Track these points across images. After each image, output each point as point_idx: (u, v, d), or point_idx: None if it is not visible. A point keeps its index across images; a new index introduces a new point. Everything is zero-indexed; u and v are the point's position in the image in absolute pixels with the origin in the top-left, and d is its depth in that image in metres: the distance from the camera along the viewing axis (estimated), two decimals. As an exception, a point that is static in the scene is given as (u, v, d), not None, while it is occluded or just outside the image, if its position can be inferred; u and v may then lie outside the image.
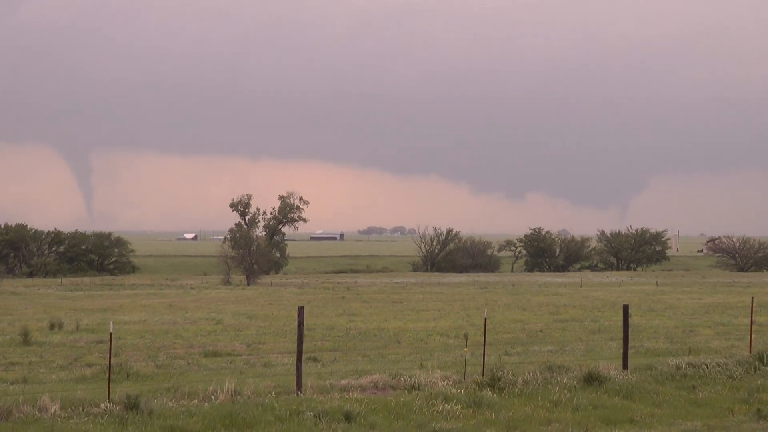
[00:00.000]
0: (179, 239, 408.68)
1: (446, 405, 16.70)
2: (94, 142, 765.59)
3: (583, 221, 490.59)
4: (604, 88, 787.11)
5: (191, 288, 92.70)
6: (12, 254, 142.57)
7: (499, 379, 18.72)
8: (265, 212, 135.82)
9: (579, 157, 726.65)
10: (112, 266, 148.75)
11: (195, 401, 17.06)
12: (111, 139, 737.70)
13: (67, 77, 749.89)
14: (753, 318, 28.03)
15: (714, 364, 21.62)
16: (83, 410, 15.91)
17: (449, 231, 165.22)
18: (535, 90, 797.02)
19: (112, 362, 19.73)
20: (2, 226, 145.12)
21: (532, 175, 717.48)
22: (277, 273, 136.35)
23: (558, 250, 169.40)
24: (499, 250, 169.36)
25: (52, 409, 15.83)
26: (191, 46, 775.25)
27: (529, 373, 19.94)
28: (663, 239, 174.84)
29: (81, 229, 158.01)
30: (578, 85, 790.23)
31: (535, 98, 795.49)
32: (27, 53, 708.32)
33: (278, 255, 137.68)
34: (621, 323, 22.43)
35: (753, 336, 27.20)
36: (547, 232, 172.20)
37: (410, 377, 19.73)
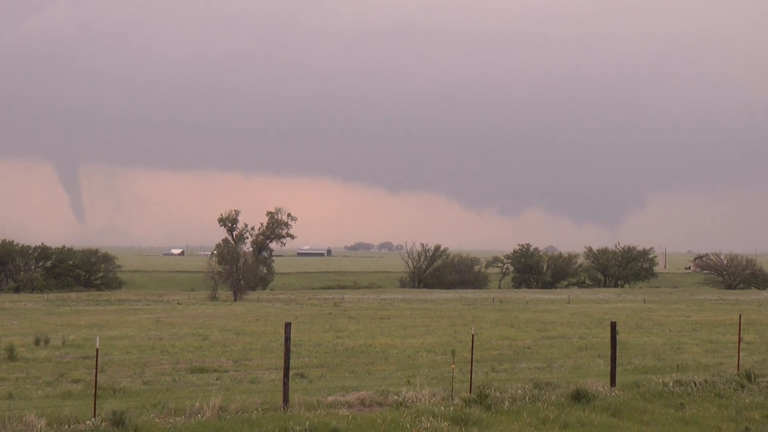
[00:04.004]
0: (166, 254, 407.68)
1: (433, 422, 16.64)
2: (86, 157, 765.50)
3: (575, 237, 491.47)
4: (596, 106, 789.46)
5: (178, 303, 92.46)
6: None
7: (487, 396, 18.68)
8: (252, 228, 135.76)
9: (572, 174, 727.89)
10: (99, 282, 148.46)
11: (181, 418, 16.99)
12: (103, 155, 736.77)
13: (62, 91, 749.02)
14: (741, 336, 28.06)
15: (702, 381, 21.61)
16: (69, 427, 15.84)
17: (437, 247, 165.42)
18: (527, 108, 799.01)
19: (98, 378, 19.65)
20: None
21: (526, 192, 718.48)
22: (264, 289, 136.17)
23: (545, 267, 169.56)
24: (487, 266, 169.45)
25: (39, 426, 15.75)
26: (185, 60, 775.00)
27: (517, 390, 19.91)
28: (650, 257, 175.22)
29: (72, 245, 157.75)
30: (569, 104, 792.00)
31: (529, 116, 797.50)
32: (24, 65, 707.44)
33: (265, 271, 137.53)
34: (608, 340, 22.42)
35: (741, 354, 27.21)
36: (535, 249, 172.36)
37: (397, 394, 19.68)
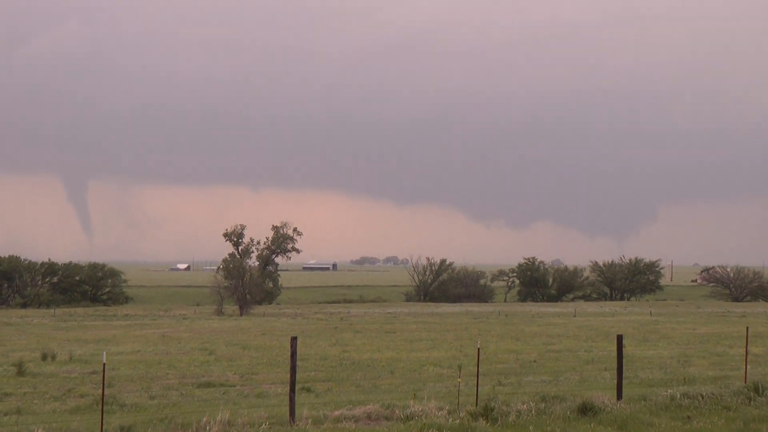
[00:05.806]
0: (172, 269, 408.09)
1: (440, 435, 16.65)
2: (96, 172, 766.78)
3: (584, 250, 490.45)
4: (601, 118, 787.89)
5: (184, 318, 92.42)
6: (5, 285, 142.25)
7: (493, 410, 18.66)
8: (258, 242, 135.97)
9: (580, 185, 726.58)
10: (105, 297, 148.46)
11: (188, 432, 17.01)
12: (112, 169, 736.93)
13: (72, 107, 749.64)
14: (748, 348, 28.02)
15: (709, 394, 21.55)
16: (76, 441, 15.88)
17: (442, 261, 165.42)
18: (534, 119, 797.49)
19: (105, 393, 19.67)
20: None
21: (534, 204, 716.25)
22: (270, 303, 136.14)
23: (551, 280, 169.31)
24: (492, 280, 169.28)
25: (45, 441, 15.79)
26: (194, 77, 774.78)
27: (523, 404, 19.87)
28: (657, 269, 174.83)
29: (80, 260, 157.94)
30: (578, 115, 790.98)
31: (535, 127, 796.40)
32: (33, 82, 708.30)
33: (271, 285, 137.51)
34: (615, 353, 22.39)
35: (748, 366, 27.17)
36: (541, 262, 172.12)
37: (403, 408, 19.67)
